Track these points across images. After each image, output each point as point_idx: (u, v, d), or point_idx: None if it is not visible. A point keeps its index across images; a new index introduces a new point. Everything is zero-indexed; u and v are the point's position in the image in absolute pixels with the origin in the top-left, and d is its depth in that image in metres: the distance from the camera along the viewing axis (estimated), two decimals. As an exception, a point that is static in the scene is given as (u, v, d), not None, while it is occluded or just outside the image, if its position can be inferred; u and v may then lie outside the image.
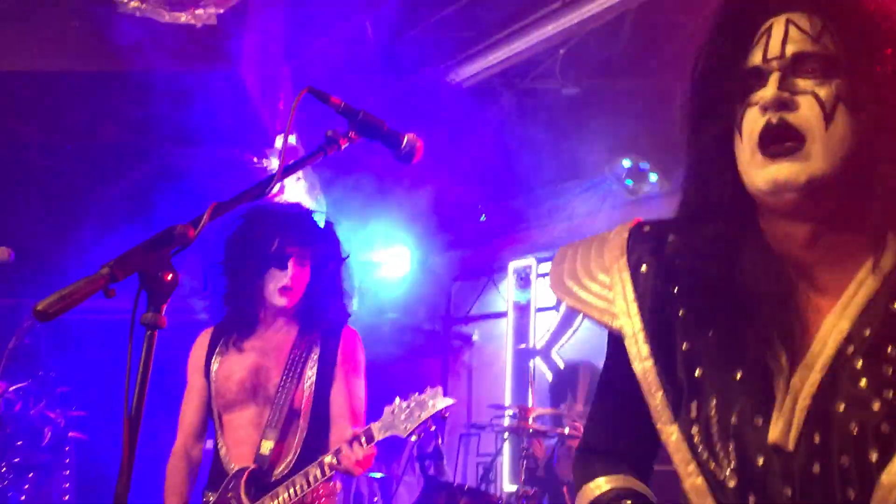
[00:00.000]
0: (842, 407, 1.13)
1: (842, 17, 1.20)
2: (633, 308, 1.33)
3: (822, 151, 1.17)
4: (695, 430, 1.25)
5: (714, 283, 1.25)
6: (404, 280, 7.35)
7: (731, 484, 1.19)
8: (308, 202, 5.84)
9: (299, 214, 3.08)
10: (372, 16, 5.33)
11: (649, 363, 1.30)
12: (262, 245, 2.94)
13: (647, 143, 5.82)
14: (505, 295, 7.44)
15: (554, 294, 1.48)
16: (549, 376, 6.85)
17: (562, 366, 6.69)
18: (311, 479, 2.74)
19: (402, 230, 6.99)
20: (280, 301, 2.96)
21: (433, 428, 2.71)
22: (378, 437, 2.69)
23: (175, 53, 4.09)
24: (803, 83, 1.19)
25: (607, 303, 1.36)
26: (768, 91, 1.18)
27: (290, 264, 2.94)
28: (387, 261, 7.20)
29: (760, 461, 1.17)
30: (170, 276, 1.40)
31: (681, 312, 1.29)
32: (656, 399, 1.29)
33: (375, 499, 6.32)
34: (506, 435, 6.24)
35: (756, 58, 1.22)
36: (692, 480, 1.24)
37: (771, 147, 1.18)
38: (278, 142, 5.04)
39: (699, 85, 1.30)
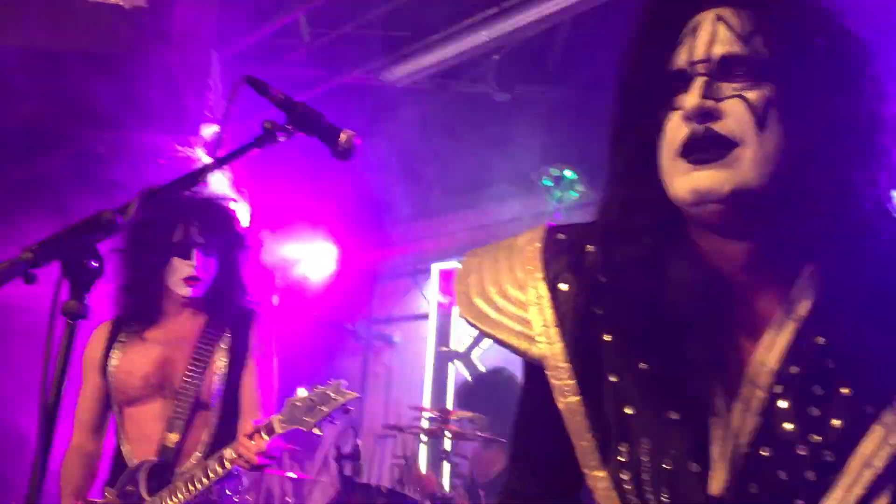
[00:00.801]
0: (769, 452, 1.05)
1: (774, 12, 1.08)
2: (554, 333, 1.18)
3: (752, 160, 1.04)
4: (625, 475, 1.12)
5: (641, 306, 1.10)
6: (326, 277, 7.27)
7: None
8: (232, 195, 5.73)
9: (205, 202, 2.97)
10: (306, 9, 5.27)
11: (575, 399, 1.16)
12: (166, 233, 2.84)
13: (575, 153, 5.90)
14: (428, 297, 7.43)
15: (464, 318, 1.27)
16: (470, 380, 6.88)
17: (482, 370, 6.72)
18: (210, 473, 2.65)
19: (326, 227, 6.92)
20: (185, 291, 2.87)
21: (335, 423, 2.65)
22: (279, 430, 2.61)
23: (100, 34, 3.96)
24: (731, 88, 1.06)
25: (524, 325, 1.20)
26: (691, 99, 1.06)
27: (195, 253, 2.85)
28: (309, 257, 7.11)
29: None
30: (94, 264, 1.34)
31: (608, 338, 1.15)
32: (583, 441, 1.16)
33: (288, 499, 6.23)
34: (424, 437, 6.23)
35: (680, 59, 1.10)
36: None
37: (695, 153, 1.06)
38: (204, 131, 4.94)
39: (622, 88, 1.18)
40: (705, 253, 1.11)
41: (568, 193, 5.94)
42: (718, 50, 1.08)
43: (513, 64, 5.53)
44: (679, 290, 1.08)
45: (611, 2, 4.60)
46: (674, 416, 1.09)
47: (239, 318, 2.97)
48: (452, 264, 7.27)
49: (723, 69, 1.08)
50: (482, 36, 5.15)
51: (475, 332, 6.95)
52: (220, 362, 2.88)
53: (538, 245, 1.26)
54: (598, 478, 1.15)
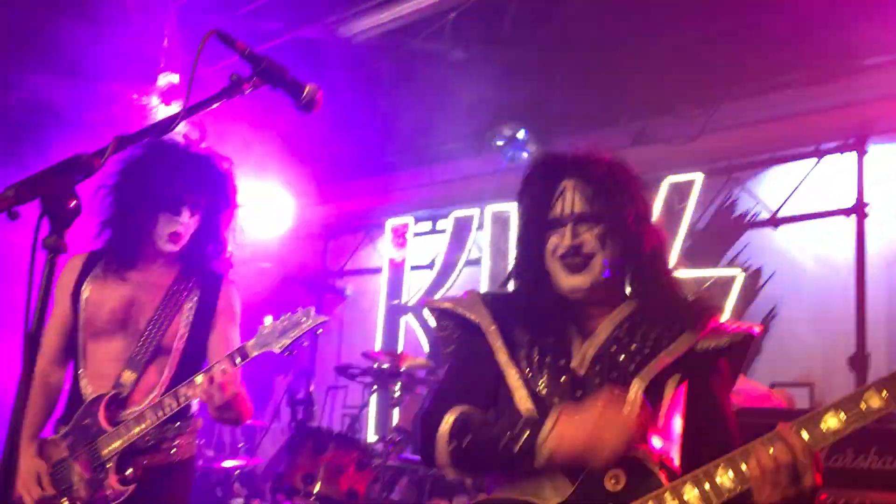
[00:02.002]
0: (614, 349, 2.00)
1: (604, 185, 2.03)
2: (489, 318, 2.13)
3: (598, 265, 2.02)
4: (524, 364, 2.03)
5: (530, 312, 2.09)
6: (280, 230, 7.33)
7: (544, 392, 1.97)
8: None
9: (202, 159, 3.02)
10: (266, -39, 5.27)
11: (498, 338, 2.08)
12: (160, 185, 2.89)
13: (528, 113, 6.01)
14: (381, 251, 7.55)
15: (430, 313, 2.34)
16: (420, 333, 7.03)
17: (433, 324, 6.87)
18: (165, 408, 2.73)
19: (280, 180, 6.96)
20: (167, 247, 2.94)
21: (306, 343, 2.73)
22: (252, 353, 2.70)
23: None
24: (586, 227, 2.02)
25: (470, 314, 2.16)
26: (566, 240, 2.02)
27: (184, 211, 2.92)
28: (262, 210, 7.15)
29: (563, 379, 1.98)
30: (73, 203, 1.43)
31: (513, 321, 2.10)
32: (503, 351, 2.05)
33: (240, 445, 6.36)
34: (374, 387, 6.39)
35: (556, 211, 2.05)
36: (520, 393, 1.98)
37: (570, 264, 2.02)
38: (161, 80, 4.94)
39: (521, 222, 2.15)
40: (561, 289, 2.07)
41: (519, 153, 6.06)
42: (577, 207, 2.04)
43: (469, 22, 5.60)
44: (549, 305, 2.08)
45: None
46: (552, 340, 2.06)
47: (210, 278, 3.05)
48: (405, 220, 7.38)
49: (579, 218, 2.04)
50: (440, -7, 5.21)
51: (426, 287, 7.11)
52: (188, 313, 2.96)
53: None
54: (510, 370, 2.02)
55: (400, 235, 7.42)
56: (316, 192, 7.49)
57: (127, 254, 2.98)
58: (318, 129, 6.44)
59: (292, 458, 4.14)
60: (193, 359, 2.97)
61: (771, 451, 1.69)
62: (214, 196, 3.01)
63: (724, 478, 1.73)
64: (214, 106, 1.72)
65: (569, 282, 2.02)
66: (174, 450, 2.91)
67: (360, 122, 6.41)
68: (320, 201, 7.78)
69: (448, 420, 1.96)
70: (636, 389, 1.89)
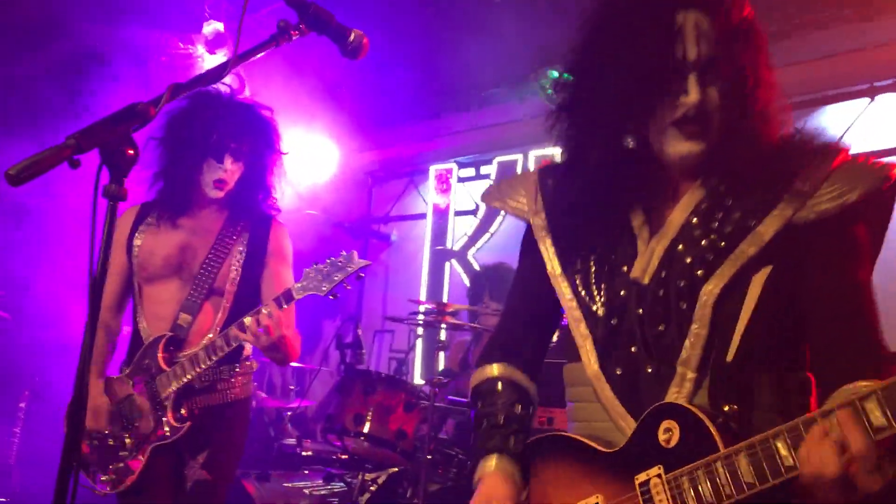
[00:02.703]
0: (681, 247, 1.59)
1: (727, 19, 1.54)
2: (541, 204, 1.80)
3: (717, 131, 1.56)
4: (578, 279, 1.70)
5: (598, 179, 1.66)
6: (325, 178, 7.39)
7: (601, 312, 1.65)
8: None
9: (244, 107, 3.09)
10: None
11: (549, 241, 1.76)
12: (203, 133, 2.97)
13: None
14: (425, 197, 7.57)
15: (483, 202, 1.97)
16: (465, 278, 7.08)
17: (477, 268, 6.92)
18: (218, 350, 2.84)
19: (324, 127, 6.98)
20: (213, 193, 3.04)
21: (349, 287, 2.82)
22: (297, 296, 2.80)
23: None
24: (711, 79, 1.54)
25: (523, 203, 1.84)
26: (692, 96, 1.53)
27: (227, 158, 3.00)
28: (307, 157, 7.20)
29: (623, 293, 1.63)
30: (131, 151, 1.48)
31: (572, 205, 1.72)
32: (553, 263, 1.75)
33: (291, 387, 6.52)
34: (420, 331, 6.48)
35: (678, 55, 1.53)
36: (572, 313, 1.70)
37: (685, 129, 1.56)
38: (206, 28, 4.97)
39: (608, 65, 1.63)
40: (663, 155, 1.63)
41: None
42: (703, 50, 1.53)
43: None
44: (637, 173, 1.66)
45: None
46: (615, 238, 1.67)
47: (259, 220, 3.14)
48: (449, 165, 7.38)
49: (706, 66, 1.54)
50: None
51: (471, 232, 7.13)
52: (238, 256, 3.05)
53: (537, 174, 1.86)
54: (560, 282, 1.73)
55: (444, 181, 7.43)
56: (360, 138, 7.51)
57: (177, 201, 3.07)
58: (361, 75, 6.42)
59: (342, 399, 4.23)
60: (247, 299, 3.05)
61: (822, 451, 1.27)
62: (256, 143, 3.08)
63: (785, 452, 1.33)
64: (263, 53, 1.74)
65: (677, 147, 1.58)
66: (229, 390, 3.02)
67: (402, 67, 6.38)
68: (364, 148, 7.79)
69: (478, 375, 1.87)
70: (703, 305, 1.51)
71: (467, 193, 7.36)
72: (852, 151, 1.54)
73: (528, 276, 1.85)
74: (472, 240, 7.17)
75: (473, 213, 7.23)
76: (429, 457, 4.05)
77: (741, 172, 1.56)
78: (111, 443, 2.92)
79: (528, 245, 1.85)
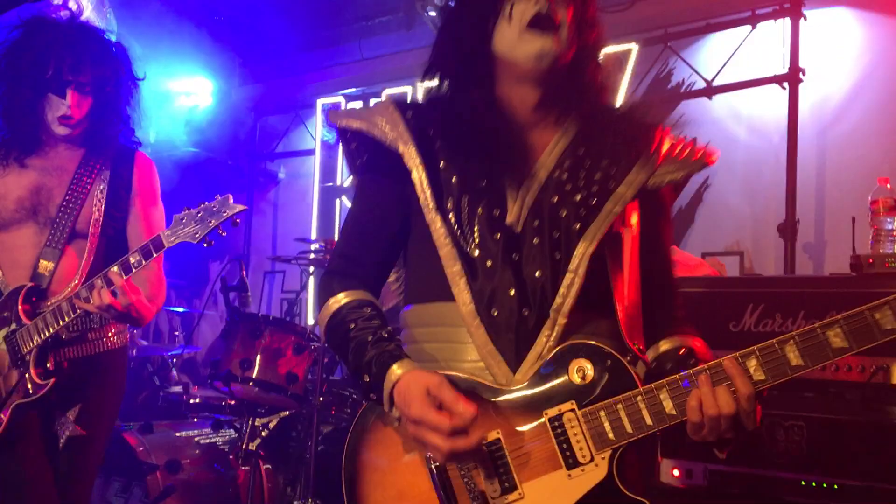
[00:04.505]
0: (555, 199, 1.68)
1: None
2: (407, 135, 1.75)
3: (566, 37, 1.67)
4: (451, 217, 1.69)
5: (464, 128, 1.72)
6: (205, 113, 7.05)
7: (475, 253, 1.67)
8: (95, 20, 5.39)
9: (81, 33, 2.81)
10: None
11: (422, 171, 1.72)
12: (39, 66, 2.71)
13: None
14: (313, 133, 7.34)
15: (333, 122, 1.84)
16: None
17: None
18: (64, 314, 2.65)
19: (203, 60, 6.64)
20: (60, 130, 2.80)
21: (224, 233, 2.64)
22: (167, 244, 2.59)
23: None
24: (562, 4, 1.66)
25: (386, 129, 1.76)
26: (539, 4, 1.64)
27: (69, 92, 2.74)
28: (186, 91, 6.84)
29: (497, 236, 1.66)
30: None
31: (438, 144, 1.73)
32: (426, 194, 1.71)
33: (176, 333, 6.30)
34: (311, 269, 6.33)
35: None
36: (447, 250, 1.68)
37: (538, 27, 1.65)
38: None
39: None
40: (507, 100, 1.74)
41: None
42: None
43: None
44: (490, 122, 1.71)
45: None
46: (484, 184, 1.70)
47: (119, 156, 2.90)
48: (336, 99, 7.16)
49: None
50: None
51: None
52: (99, 195, 2.83)
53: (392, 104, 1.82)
54: (434, 219, 1.70)
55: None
56: (241, 71, 7.18)
57: (22, 140, 2.82)
58: (239, 3, 6.10)
59: (227, 344, 4.08)
60: (114, 242, 2.85)
61: (714, 397, 1.48)
62: (103, 72, 2.82)
63: (668, 403, 1.53)
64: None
65: (534, 45, 1.65)
66: (101, 340, 2.85)
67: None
68: (246, 81, 7.46)
69: (330, 307, 1.73)
70: (580, 257, 1.62)
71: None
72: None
73: (375, 199, 1.82)
74: (362, 175, 7.00)
75: (363, 147, 7.05)
76: (321, 399, 3.98)
77: (597, 133, 1.73)
78: (-31, 401, 2.70)
79: (380, 168, 1.80)
